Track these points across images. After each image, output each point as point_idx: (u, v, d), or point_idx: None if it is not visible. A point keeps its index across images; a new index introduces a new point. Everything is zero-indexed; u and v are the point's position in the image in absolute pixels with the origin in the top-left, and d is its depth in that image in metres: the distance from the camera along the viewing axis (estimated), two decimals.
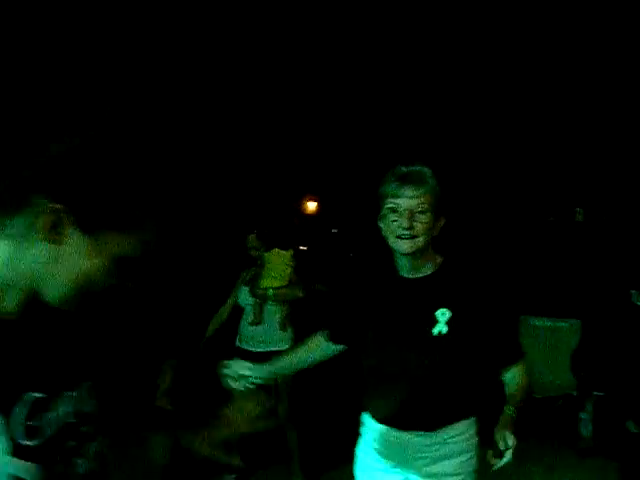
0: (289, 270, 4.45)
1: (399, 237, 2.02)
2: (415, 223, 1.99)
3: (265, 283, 4.36)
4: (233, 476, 4.36)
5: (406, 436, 2.16)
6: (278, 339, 4.30)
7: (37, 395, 1.09)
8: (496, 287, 2.14)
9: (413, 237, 2.00)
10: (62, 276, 1.11)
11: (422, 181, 2.01)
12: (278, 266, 4.42)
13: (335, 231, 13.54)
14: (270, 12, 7.14)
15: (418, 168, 2.04)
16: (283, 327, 4.40)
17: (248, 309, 4.42)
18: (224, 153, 11.49)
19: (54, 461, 1.13)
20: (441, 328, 2.03)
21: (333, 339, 2.30)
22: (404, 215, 1.99)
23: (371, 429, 2.28)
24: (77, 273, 1.11)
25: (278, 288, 4.35)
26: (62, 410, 1.14)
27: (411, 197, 1.99)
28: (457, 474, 2.19)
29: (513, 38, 7.53)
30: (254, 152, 11.74)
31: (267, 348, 4.13)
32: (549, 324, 6.80)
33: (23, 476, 1.08)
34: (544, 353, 6.54)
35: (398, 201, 2.01)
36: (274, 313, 4.39)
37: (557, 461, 4.72)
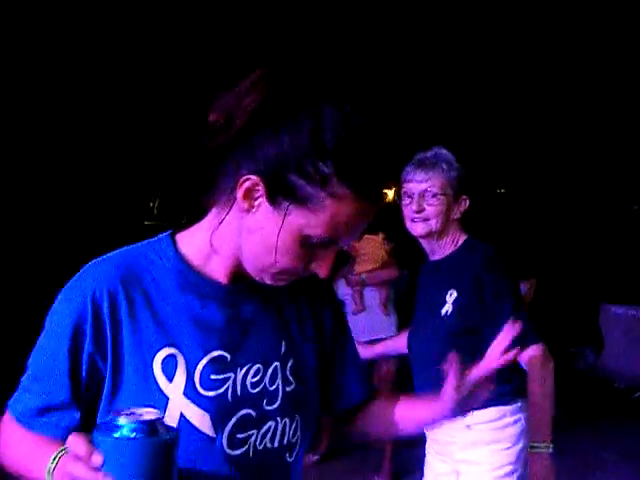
0: (382, 252, 4.45)
1: (412, 220, 2.07)
2: (427, 206, 2.03)
3: (358, 269, 4.37)
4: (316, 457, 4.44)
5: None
6: (383, 326, 4.25)
7: (224, 354, 1.06)
8: (502, 269, 2.08)
9: (425, 220, 2.04)
10: (255, 247, 1.03)
11: (434, 165, 2.05)
12: (370, 251, 4.40)
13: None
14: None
15: (434, 152, 2.09)
16: (386, 312, 4.38)
17: (348, 300, 4.37)
18: None
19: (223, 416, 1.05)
20: (448, 308, 2.06)
21: None
22: (414, 199, 2.05)
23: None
24: (270, 247, 1.00)
25: (371, 271, 4.34)
26: (242, 376, 1.08)
27: (420, 181, 2.04)
28: (489, 463, 2.06)
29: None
30: None
31: (373, 336, 3.83)
32: (632, 312, 6.63)
33: (195, 422, 1.02)
34: (626, 342, 6.42)
35: (410, 185, 2.07)
36: (374, 299, 4.37)
37: (634, 450, 4.67)
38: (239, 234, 1.05)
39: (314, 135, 0.96)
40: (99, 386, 1.04)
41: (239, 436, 1.06)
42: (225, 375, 1.07)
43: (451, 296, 2.07)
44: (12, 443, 1.07)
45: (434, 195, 2.03)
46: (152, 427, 0.84)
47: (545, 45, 7.92)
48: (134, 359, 1.03)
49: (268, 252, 1.02)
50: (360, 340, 4.21)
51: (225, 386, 1.06)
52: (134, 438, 0.83)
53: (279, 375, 1.12)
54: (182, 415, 1.02)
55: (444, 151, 2.10)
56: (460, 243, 2.13)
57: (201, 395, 1.04)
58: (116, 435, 0.82)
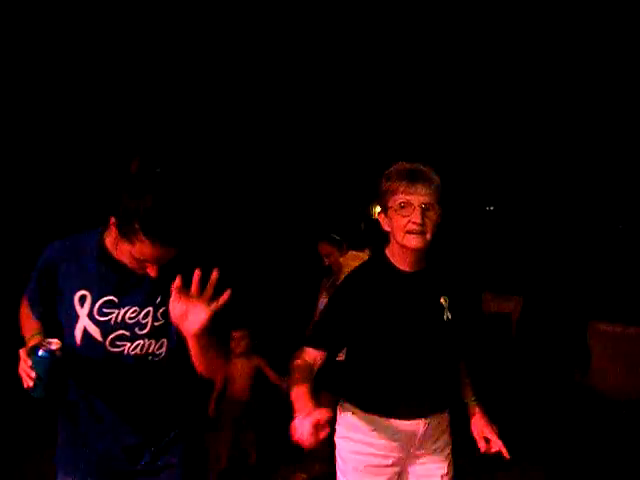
0: None
1: (409, 232, 2.04)
2: (425, 219, 2.03)
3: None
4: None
5: (425, 422, 2.22)
6: None
7: (114, 298, 1.92)
8: (472, 276, 2.29)
9: (423, 233, 2.04)
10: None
11: (431, 178, 2.05)
12: (355, 265, 4.43)
13: None
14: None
15: (424, 166, 2.09)
16: None
17: None
18: (291, 162, 11.71)
19: None
20: (447, 314, 2.14)
21: (327, 348, 2.14)
22: (417, 211, 2.02)
23: (376, 429, 2.21)
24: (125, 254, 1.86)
25: None
26: (123, 312, 1.93)
27: (424, 194, 2.02)
28: (449, 444, 2.36)
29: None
30: (321, 157, 11.91)
31: None
32: (619, 329, 6.69)
33: (91, 331, 1.89)
34: (613, 359, 6.48)
35: (410, 197, 2.03)
36: None
37: (620, 465, 4.71)
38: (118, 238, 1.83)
39: (132, 207, 1.70)
40: (51, 300, 1.92)
41: (117, 343, 1.89)
42: (112, 310, 1.89)
43: (446, 302, 2.15)
44: (23, 315, 2.03)
45: (432, 208, 2.04)
46: (52, 351, 1.75)
47: (533, 66, 8.02)
48: (65, 293, 1.90)
49: (125, 255, 1.83)
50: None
51: (110, 316, 1.89)
52: (41, 356, 1.74)
53: (150, 315, 1.91)
54: (85, 327, 1.88)
55: (427, 165, 2.12)
56: (427, 255, 2.19)
57: (96, 319, 1.89)
58: (34, 354, 1.75)
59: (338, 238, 4.58)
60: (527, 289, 7.74)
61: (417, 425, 2.20)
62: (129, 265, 1.86)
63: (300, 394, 1.90)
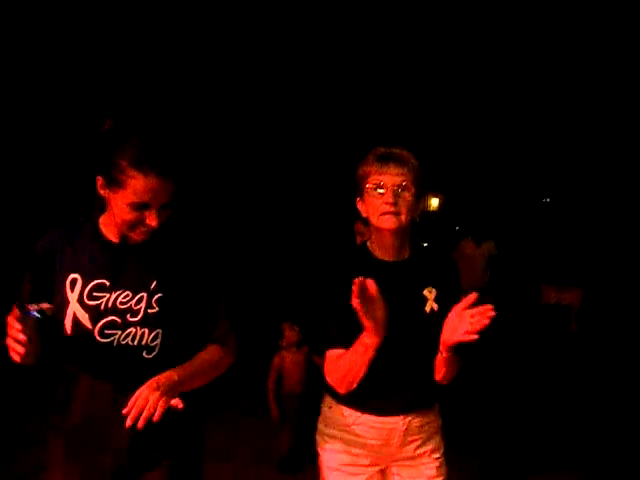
0: None
1: (383, 214, 2.00)
2: (399, 199, 1.99)
3: None
4: None
5: (405, 420, 2.12)
6: None
7: (105, 281, 1.83)
8: (454, 268, 2.21)
9: (397, 213, 1.99)
10: (116, 217, 1.80)
11: (405, 160, 2.02)
12: None
13: (458, 228, 13.52)
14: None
15: (399, 149, 2.06)
16: None
17: None
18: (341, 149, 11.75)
19: None
20: (432, 305, 2.06)
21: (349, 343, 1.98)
22: (389, 191, 1.98)
23: (352, 424, 2.13)
24: (119, 214, 1.77)
25: None
26: (115, 297, 1.84)
27: (396, 174, 1.98)
28: (440, 448, 2.23)
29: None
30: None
31: None
32: None
33: (80, 318, 1.80)
34: None
35: (383, 178, 1.99)
36: None
37: None
38: (111, 212, 1.77)
39: (116, 148, 1.68)
40: (48, 284, 1.83)
41: (107, 332, 1.78)
42: (103, 294, 1.80)
43: (431, 293, 2.08)
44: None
45: (407, 189, 2.00)
46: (42, 310, 1.64)
47: (596, 56, 7.90)
48: (59, 281, 1.81)
49: (120, 217, 1.74)
50: None
51: (101, 300, 1.79)
52: (31, 315, 1.63)
53: (144, 301, 1.80)
54: (74, 313, 1.78)
55: (405, 149, 2.08)
56: (411, 244, 2.14)
57: (85, 303, 1.79)
58: (23, 315, 1.62)
59: None
60: (587, 280, 7.63)
61: (395, 422, 2.11)
62: (127, 234, 1.79)
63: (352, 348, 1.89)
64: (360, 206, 2.11)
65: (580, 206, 11.39)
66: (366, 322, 1.77)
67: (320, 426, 2.24)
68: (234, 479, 4.18)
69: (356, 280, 1.71)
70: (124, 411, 1.60)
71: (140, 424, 1.59)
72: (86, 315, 1.79)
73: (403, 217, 2.00)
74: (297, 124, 11.35)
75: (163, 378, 1.71)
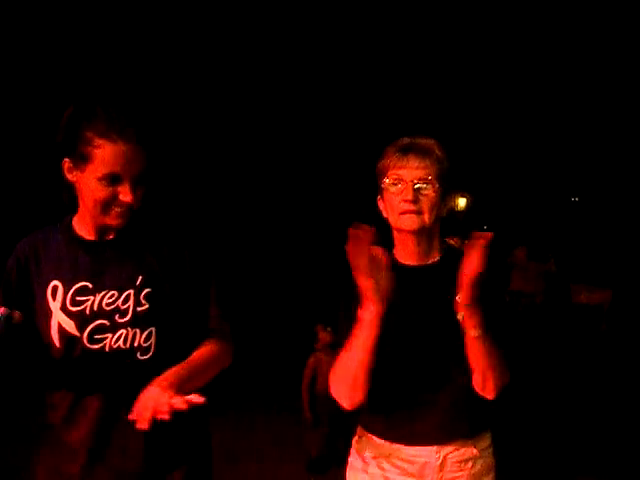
0: None
1: (403, 213, 1.73)
2: (421, 197, 1.72)
3: None
4: None
5: (439, 452, 1.77)
6: None
7: (87, 284, 1.69)
8: (501, 273, 1.89)
9: (418, 212, 1.72)
10: (87, 201, 1.66)
11: (428, 151, 1.75)
12: None
13: (486, 228, 13.45)
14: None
15: (424, 138, 1.78)
16: None
17: None
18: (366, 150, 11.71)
19: None
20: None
21: None
22: (408, 187, 1.72)
23: (379, 456, 1.83)
24: (90, 194, 1.63)
25: None
26: (99, 298, 1.70)
27: (416, 167, 1.72)
28: None
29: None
30: None
31: None
32: None
33: (65, 326, 1.65)
34: None
35: (401, 172, 1.73)
36: None
37: None
38: (82, 203, 1.66)
39: (78, 122, 1.57)
40: (25, 298, 1.69)
41: (96, 337, 1.65)
42: (86, 297, 1.66)
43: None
44: None
45: (430, 184, 1.72)
46: (9, 314, 1.52)
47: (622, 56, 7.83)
48: (39, 293, 1.68)
49: (91, 199, 1.60)
50: None
51: (85, 304, 1.65)
52: None
53: (132, 299, 1.66)
54: (59, 322, 1.66)
55: (432, 138, 1.82)
56: (445, 245, 1.87)
57: (69, 310, 1.66)
58: None
59: None
60: (616, 280, 7.57)
61: (428, 455, 1.76)
62: (103, 221, 1.65)
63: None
64: (381, 206, 1.84)
65: (608, 205, 11.28)
66: (365, 285, 1.55)
67: (350, 459, 1.92)
68: (261, 476, 4.23)
69: (352, 228, 1.51)
70: (131, 416, 1.47)
71: (148, 424, 1.45)
72: (71, 322, 1.67)
73: (425, 216, 1.73)
74: (322, 112, 11.26)
75: (171, 376, 1.58)
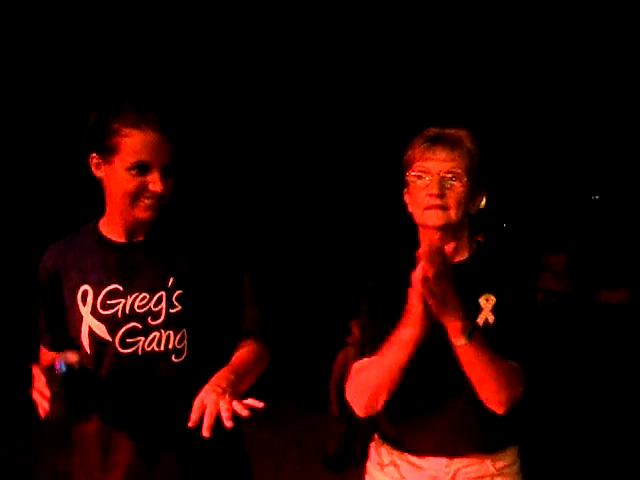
0: None
1: (428, 208, 1.63)
2: (447, 191, 1.61)
3: None
4: None
5: (450, 466, 1.68)
6: None
7: (118, 286, 1.70)
8: (533, 274, 1.82)
9: (444, 207, 1.62)
10: (116, 193, 1.67)
11: (457, 142, 1.64)
12: None
13: (505, 225, 13.40)
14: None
15: (454, 129, 1.68)
16: None
17: None
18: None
19: None
20: (487, 316, 1.64)
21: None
22: (434, 180, 1.61)
23: (390, 464, 1.78)
24: (119, 185, 1.63)
25: None
26: (131, 301, 1.71)
27: (443, 159, 1.62)
28: None
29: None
30: None
31: None
32: None
33: (96, 330, 1.66)
34: None
35: (427, 164, 1.63)
36: None
37: None
38: (110, 200, 1.66)
39: (105, 115, 1.60)
40: (60, 318, 1.71)
41: (128, 340, 1.64)
42: (117, 300, 1.65)
43: (488, 302, 1.66)
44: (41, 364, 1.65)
45: (458, 178, 1.62)
46: (69, 364, 1.48)
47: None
48: (69, 299, 1.68)
49: (120, 191, 1.59)
50: None
51: (116, 308, 1.64)
52: (57, 369, 1.46)
53: (164, 301, 1.64)
54: (89, 327, 1.65)
55: (464, 129, 1.70)
56: (475, 245, 1.76)
57: (100, 313, 1.65)
58: (49, 369, 1.47)
59: None
60: (636, 279, 7.53)
61: (438, 468, 1.68)
62: (132, 215, 1.63)
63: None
64: (407, 200, 1.75)
65: (629, 203, 11.20)
66: (417, 307, 1.46)
67: (367, 464, 1.88)
68: (279, 474, 4.26)
69: (427, 247, 1.39)
70: (190, 424, 1.38)
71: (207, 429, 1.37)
72: (103, 326, 1.65)
73: (452, 212, 1.63)
74: (351, 103, 11.21)
75: (222, 379, 1.51)
